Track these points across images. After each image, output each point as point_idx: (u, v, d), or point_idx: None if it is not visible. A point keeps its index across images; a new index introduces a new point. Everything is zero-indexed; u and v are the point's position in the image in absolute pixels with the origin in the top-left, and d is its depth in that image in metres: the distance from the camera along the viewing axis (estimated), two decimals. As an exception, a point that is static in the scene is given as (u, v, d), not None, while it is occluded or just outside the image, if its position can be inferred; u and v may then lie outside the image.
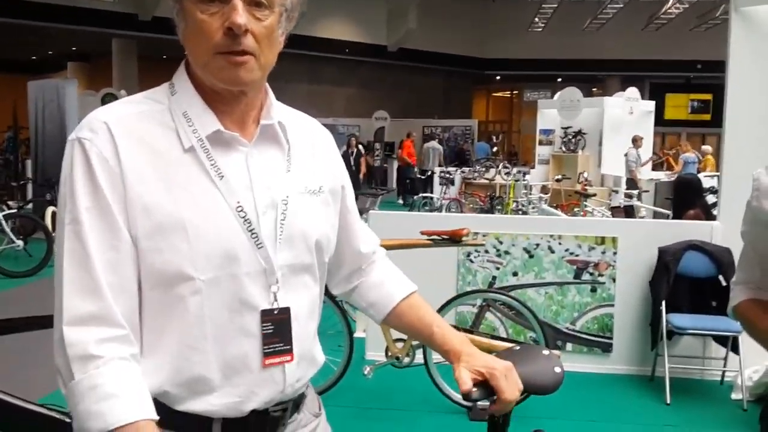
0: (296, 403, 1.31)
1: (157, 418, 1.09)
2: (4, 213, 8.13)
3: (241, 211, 1.18)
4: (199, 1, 1.14)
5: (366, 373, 4.09)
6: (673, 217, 6.58)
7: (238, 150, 1.22)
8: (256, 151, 1.23)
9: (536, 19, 25.60)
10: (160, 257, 1.12)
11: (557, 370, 1.40)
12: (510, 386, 1.25)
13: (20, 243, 8.12)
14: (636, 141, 12.59)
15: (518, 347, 1.51)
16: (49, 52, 25.99)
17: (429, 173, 16.30)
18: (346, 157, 14.35)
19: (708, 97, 27.57)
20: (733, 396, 4.46)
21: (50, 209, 9.02)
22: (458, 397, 3.95)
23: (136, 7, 19.82)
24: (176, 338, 1.15)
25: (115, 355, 1.08)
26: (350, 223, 1.45)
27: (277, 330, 1.21)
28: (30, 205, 10.05)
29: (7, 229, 8.10)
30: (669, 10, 23.37)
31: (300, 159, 1.30)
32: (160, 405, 1.13)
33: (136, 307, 1.14)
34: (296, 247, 1.24)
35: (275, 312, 1.21)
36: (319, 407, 1.41)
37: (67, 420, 2.32)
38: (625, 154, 12.46)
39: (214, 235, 1.15)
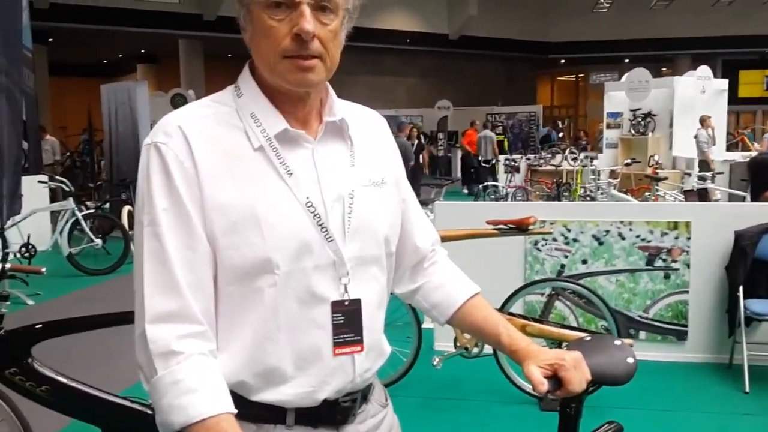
0: (364, 394, 1.34)
1: (236, 411, 1.13)
2: (83, 213, 8.44)
3: (311, 206, 1.21)
4: (267, 6, 1.17)
5: (435, 363, 4.10)
6: (751, 199, 6.35)
7: (305, 147, 1.25)
8: (321, 147, 1.27)
9: (600, 0, 24.98)
10: (238, 253, 1.17)
11: (630, 360, 1.39)
12: (578, 376, 1.24)
13: (99, 242, 8.41)
14: (704, 121, 12.14)
15: (589, 337, 1.49)
16: (119, 56, 26.85)
17: (492, 161, 16.11)
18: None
19: (785, 72, 26.43)
20: (818, 384, 4.30)
21: (126, 208, 9.34)
22: (529, 387, 3.92)
23: (200, 7, 20.28)
24: (251, 331, 1.20)
25: (195, 351, 1.13)
26: (407, 214, 1.45)
27: (347, 321, 1.25)
28: (107, 205, 10.43)
29: (87, 229, 8.41)
30: (741, -16, 22.46)
31: (363, 152, 1.33)
32: (236, 396, 1.17)
33: (212, 304, 1.19)
34: (364, 240, 1.27)
35: (346, 303, 1.25)
36: (385, 398, 1.43)
37: (149, 412, 2.42)
38: (695, 136, 12.06)
39: (287, 230, 1.19)
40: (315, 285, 1.22)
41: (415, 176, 11.88)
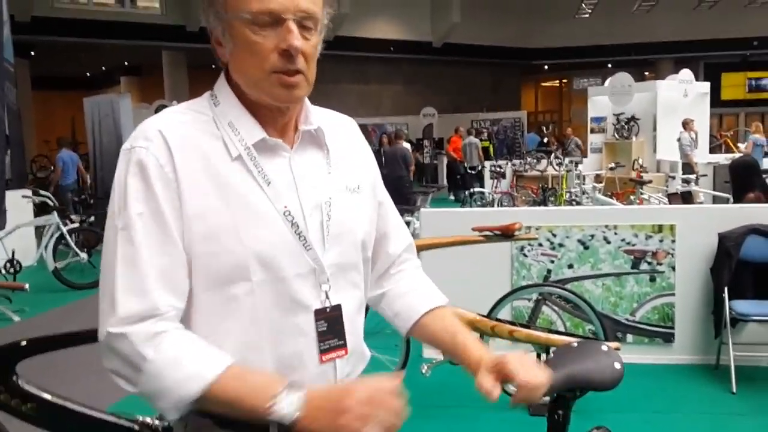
0: None
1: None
2: (68, 227, 8.38)
3: (289, 214, 1.22)
4: (252, 22, 1.18)
5: (424, 371, 4.09)
6: (733, 201, 6.40)
7: (282, 156, 1.26)
8: (298, 156, 1.28)
9: (582, 5, 25.18)
10: (216, 260, 1.17)
11: (617, 365, 1.39)
12: (525, 369, 1.25)
13: (84, 256, 8.34)
14: (687, 124, 12.25)
15: (576, 344, 1.50)
16: (103, 68, 26.75)
17: (478, 168, 16.15)
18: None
19: (766, 74, 26.72)
20: (804, 383, 4.33)
21: (111, 221, 9.27)
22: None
23: (183, 18, 20.24)
24: (232, 339, 1.20)
25: (174, 327, 1.15)
26: (383, 219, 1.46)
27: (330, 327, 1.26)
28: (92, 218, 10.36)
29: (72, 243, 8.35)
30: (721, -13, 22.68)
31: (339, 159, 1.34)
32: None
33: (185, 310, 1.19)
34: (343, 246, 1.29)
35: (328, 310, 1.26)
36: None
37: (136, 428, 2.40)
38: (678, 139, 12.16)
39: (264, 238, 1.19)
40: (296, 293, 1.22)
41: (404, 185, 11.82)
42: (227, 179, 1.20)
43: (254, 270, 1.18)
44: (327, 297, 1.26)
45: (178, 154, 1.18)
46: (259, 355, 1.21)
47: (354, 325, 1.32)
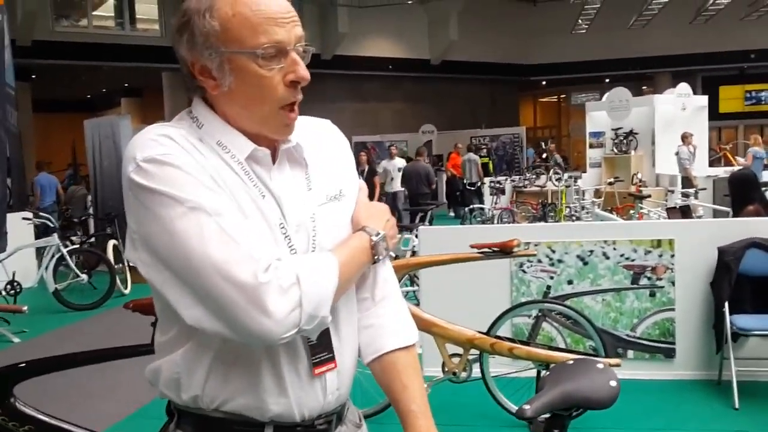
0: (339, 415, 1.35)
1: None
2: (68, 249, 8.39)
3: (283, 227, 1.23)
4: (260, 57, 1.18)
5: (424, 389, 4.08)
6: (732, 215, 6.40)
7: (269, 170, 1.27)
8: (278, 173, 1.29)
9: (579, 21, 25.26)
10: None
11: (612, 383, 1.39)
12: None
13: (84, 277, 8.36)
14: (685, 138, 12.27)
15: (572, 362, 1.50)
16: (103, 90, 26.84)
17: (477, 184, 16.19)
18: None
19: (764, 86, 26.83)
20: (806, 397, 4.31)
21: (111, 242, 9.29)
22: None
23: (183, 39, 20.27)
24: (229, 352, 1.21)
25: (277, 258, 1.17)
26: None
27: (320, 340, 1.26)
28: (93, 239, 10.37)
29: (72, 264, 8.36)
30: (717, 1, 22.76)
31: (318, 170, 1.34)
32: (215, 409, 1.22)
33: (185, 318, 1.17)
34: None
35: None
36: (359, 418, 1.44)
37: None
38: (676, 153, 12.18)
39: (271, 250, 1.18)
40: None
41: (426, 202, 11.78)
42: (232, 189, 1.20)
43: None
44: None
45: (191, 152, 1.18)
46: (256, 368, 1.21)
47: (344, 338, 1.31)
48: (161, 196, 1.13)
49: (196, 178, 1.14)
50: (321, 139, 1.39)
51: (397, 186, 13.71)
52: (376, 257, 1.30)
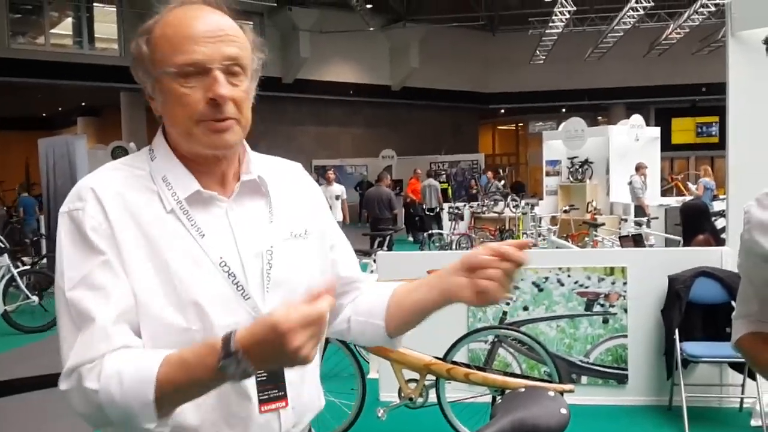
0: None
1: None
2: (19, 270, 8.20)
3: (225, 265, 1.23)
4: (178, 76, 1.20)
5: (380, 415, 4.08)
6: (683, 244, 6.56)
7: (219, 206, 1.27)
8: (237, 206, 1.29)
9: (537, 52, 25.81)
10: (151, 312, 1.17)
11: (563, 411, 1.41)
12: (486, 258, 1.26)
13: (35, 299, 8.17)
14: (639, 168, 12.57)
15: (523, 389, 1.52)
16: (59, 109, 26.43)
17: (436, 209, 16.30)
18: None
19: (715, 119, 27.63)
20: (753, 423, 4.40)
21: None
22: (474, 436, 3.93)
23: (142, 60, 20.12)
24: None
25: (110, 350, 1.13)
26: (334, 253, 1.46)
27: (270, 377, 1.25)
28: (44, 261, 10.14)
29: (22, 286, 8.17)
30: (670, 36, 23.48)
31: (282, 207, 1.35)
32: None
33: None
34: (286, 294, 1.27)
35: None
36: None
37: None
38: (629, 182, 12.46)
39: (200, 290, 1.20)
40: None
41: (387, 227, 11.69)
42: (161, 234, 1.20)
43: (191, 320, 1.19)
44: None
45: (111, 210, 1.19)
46: (198, 408, 1.19)
47: (297, 375, 1.29)
48: (60, 250, 1.20)
49: (91, 247, 1.17)
50: (289, 179, 1.41)
51: (337, 216, 11.98)
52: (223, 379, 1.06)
